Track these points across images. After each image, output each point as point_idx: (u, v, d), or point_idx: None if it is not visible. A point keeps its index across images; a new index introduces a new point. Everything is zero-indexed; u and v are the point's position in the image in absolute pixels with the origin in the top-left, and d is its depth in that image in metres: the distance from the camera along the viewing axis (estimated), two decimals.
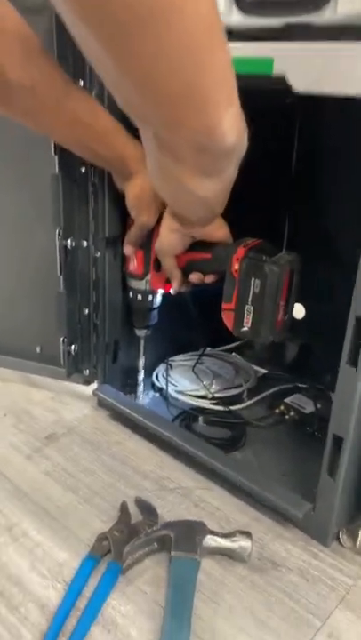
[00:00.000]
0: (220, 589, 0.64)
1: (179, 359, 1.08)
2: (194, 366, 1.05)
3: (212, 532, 0.68)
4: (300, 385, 1.01)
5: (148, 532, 0.68)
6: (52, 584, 0.64)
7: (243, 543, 0.67)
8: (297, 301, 0.79)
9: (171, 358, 1.07)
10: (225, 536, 0.68)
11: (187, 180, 0.52)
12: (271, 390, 1.01)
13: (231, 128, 0.45)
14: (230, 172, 0.54)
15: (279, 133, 1.00)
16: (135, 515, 0.73)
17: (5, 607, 0.60)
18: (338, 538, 0.72)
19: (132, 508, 0.74)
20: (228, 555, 0.68)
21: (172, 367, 1.05)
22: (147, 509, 0.73)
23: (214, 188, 0.55)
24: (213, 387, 1.01)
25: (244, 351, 1.15)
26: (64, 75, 0.67)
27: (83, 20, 0.35)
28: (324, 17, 0.60)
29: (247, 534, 0.68)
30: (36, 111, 0.67)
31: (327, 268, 0.89)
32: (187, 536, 0.67)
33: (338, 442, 0.65)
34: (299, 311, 1.00)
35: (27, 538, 0.70)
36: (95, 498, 0.77)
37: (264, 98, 0.60)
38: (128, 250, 0.83)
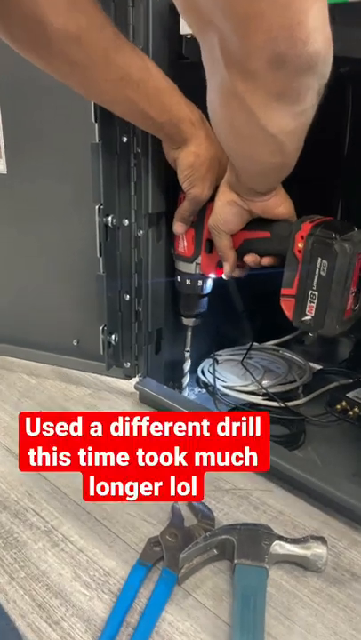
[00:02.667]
0: (293, 604, 0.55)
1: (225, 354, 1.00)
2: (242, 359, 0.96)
3: (281, 538, 0.59)
4: None
5: (207, 537, 0.59)
6: (97, 595, 0.55)
7: (317, 550, 0.58)
8: None
9: (217, 352, 0.98)
10: (295, 542, 0.59)
11: (259, 107, 0.44)
12: (331, 385, 0.92)
13: (317, 29, 0.37)
14: (310, 100, 0.46)
15: (331, 108, 0.93)
16: (188, 518, 0.64)
17: (45, 622, 0.52)
18: None
19: (185, 511, 0.65)
20: (300, 563, 0.58)
21: (218, 362, 0.97)
22: (201, 512, 0.65)
23: (289, 123, 0.47)
24: (265, 382, 0.92)
25: (292, 347, 1.06)
26: (112, 25, 0.61)
27: None
28: None
29: (321, 540, 0.58)
30: (83, 65, 0.60)
31: None
32: (252, 541, 0.58)
33: None
34: None
35: (68, 543, 0.61)
36: None
37: None
38: (179, 228, 0.75)
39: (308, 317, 0.66)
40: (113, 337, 0.85)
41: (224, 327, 0.98)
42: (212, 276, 0.80)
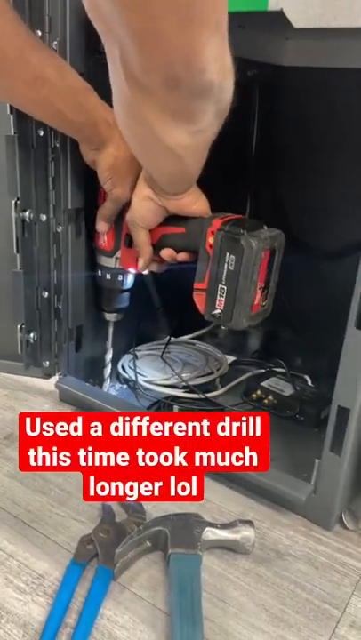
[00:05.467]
0: (225, 586, 0.57)
1: (144, 349, 1.00)
2: (162, 354, 0.98)
3: (211, 524, 0.61)
4: (275, 369, 0.96)
5: (140, 530, 0.60)
6: (32, 599, 0.54)
7: (245, 533, 0.61)
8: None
9: (136, 348, 0.99)
10: (225, 527, 0.61)
11: (155, 121, 0.44)
12: (246, 375, 0.96)
13: (214, 60, 0.37)
14: (207, 122, 0.47)
15: (240, 109, 0.97)
16: (119, 513, 0.65)
17: None
18: (340, 520, 0.67)
19: (115, 506, 0.65)
20: (230, 547, 0.61)
21: (137, 357, 0.98)
22: (132, 506, 0.65)
23: (185, 139, 0.48)
24: (184, 375, 0.94)
25: (207, 340, 1.09)
26: (26, 26, 0.59)
27: None
28: None
29: (249, 523, 0.62)
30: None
31: (290, 252, 0.85)
32: (184, 531, 0.60)
33: (343, 413, 0.60)
34: None
35: None
36: (70, 499, 0.68)
37: None
38: (102, 227, 0.75)
39: (217, 311, 0.69)
40: (31, 335, 0.83)
41: (143, 323, 0.98)
42: (132, 270, 0.80)
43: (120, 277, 0.81)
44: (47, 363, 0.86)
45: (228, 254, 0.65)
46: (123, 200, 0.71)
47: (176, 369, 0.95)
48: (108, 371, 0.89)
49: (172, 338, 1.05)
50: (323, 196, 0.93)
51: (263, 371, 0.97)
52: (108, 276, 0.81)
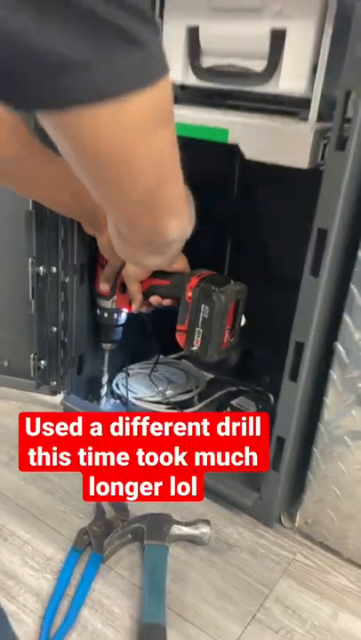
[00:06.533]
0: (186, 569, 0.77)
1: (136, 367, 1.19)
2: (150, 374, 1.17)
3: (177, 522, 0.81)
4: (243, 388, 1.15)
5: (124, 526, 0.79)
6: (42, 576, 0.74)
7: (203, 529, 0.80)
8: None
9: (129, 367, 1.18)
10: (188, 524, 0.81)
11: (136, 254, 0.61)
12: (218, 394, 1.15)
13: (175, 229, 0.53)
14: (176, 250, 0.62)
15: (221, 170, 1.13)
16: (109, 511, 0.84)
17: (5, 598, 0.70)
18: (279, 520, 0.86)
19: (105, 505, 0.85)
20: (192, 540, 0.81)
21: (129, 375, 1.16)
22: (118, 506, 0.85)
23: (161, 260, 0.64)
24: (168, 392, 1.13)
25: (191, 358, 1.27)
26: (41, 144, 0.75)
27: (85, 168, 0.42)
28: (268, 89, 0.73)
29: (207, 522, 0.81)
30: (17, 177, 0.74)
31: (264, 286, 1.02)
32: (156, 527, 0.79)
33: (281, 440, 0.79)
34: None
35: (15, 537, 0.79)
36: (71, 498, 0.87)
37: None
38: (105, 287, 0.94)
39: (195, 347, 0.87)
40: (42, 362, 1.01)
41: (136, 343, 1.17)
42: (125, 310, 0.99)
43: (115, 315, 0.99)
44: (54, 382, 1.05)
45: (203, 305, 0.84)
46: (120, 265, 0.89)
47: (162, 386, 1.14)
48: (104, 390, 1.08)
49: (163, 356, 1.23)
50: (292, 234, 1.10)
51: (235, 389, 1.16)
52: (106, 315, 0.99)
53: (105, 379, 1.07)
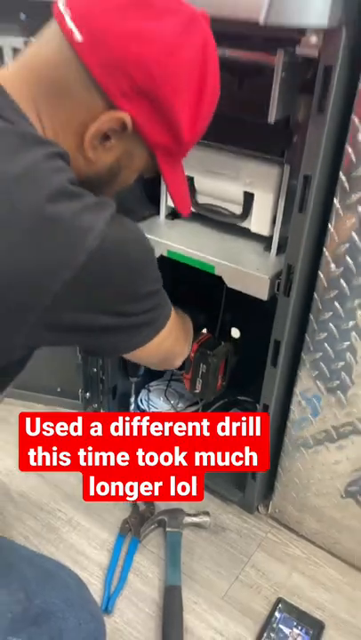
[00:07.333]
0: (193, 546, 1.17)
1: (154, 384, 1.56)
2: (165, 389, 1.54)
3: (188, 514, 1.20)
4: (239, 398, 1.51)
5: (152, 518, 1.19)
6: (101, 553, 1.15)
7: (205, 518, 1.20)
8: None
9: (150, 384, 1.54)
10: (194, 515, 1.21)
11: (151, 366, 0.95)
12: (218, 404, 1.51)
13: (180, 360, 0.88)
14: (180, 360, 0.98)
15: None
16: (140, 505, 1.24)
17: (79, 570, 1.11)
18: (257, 509, 1.26)
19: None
20: (197, 526, 1.21)
21: (150, 391, 1.53)
22: (147, 502, 1.24)
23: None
24: (180, 405, 1.50)
25: None
26: None
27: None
28: (243, 225, 1.04)
29: (207, 513, 1.21)
30: None
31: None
32: (173, 518, 1.19)
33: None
34: (235, 332, 1.48)
35: (81, 526, 1.20)
36: None
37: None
38: None
39: (197, 390, 1.23)
40: (87, 394, 1.39)
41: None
42: None
43: None
44: (95, 405, 1.43)
45: (201, 364, 1.19)
46: None
47: (174, 400, 1.51)
48: (132, 407, 1.45)
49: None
50: None
51: (231, 399, 1.52)
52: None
53: (132, 399, 1.44)
